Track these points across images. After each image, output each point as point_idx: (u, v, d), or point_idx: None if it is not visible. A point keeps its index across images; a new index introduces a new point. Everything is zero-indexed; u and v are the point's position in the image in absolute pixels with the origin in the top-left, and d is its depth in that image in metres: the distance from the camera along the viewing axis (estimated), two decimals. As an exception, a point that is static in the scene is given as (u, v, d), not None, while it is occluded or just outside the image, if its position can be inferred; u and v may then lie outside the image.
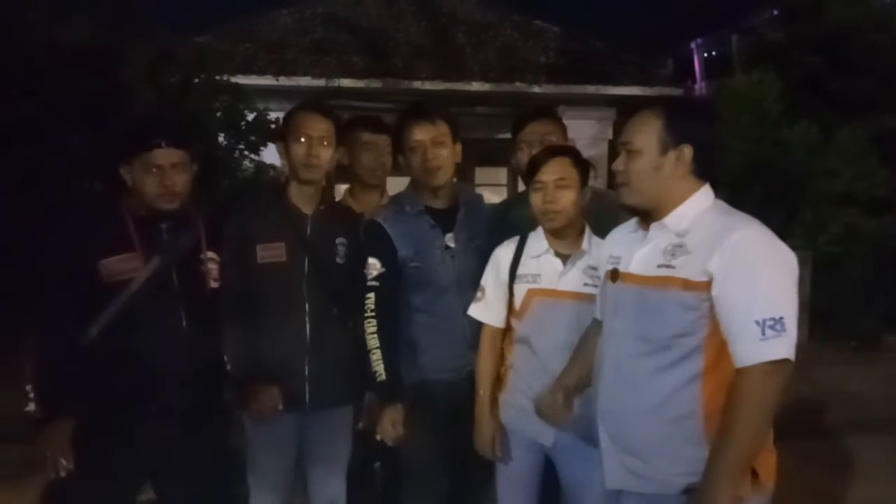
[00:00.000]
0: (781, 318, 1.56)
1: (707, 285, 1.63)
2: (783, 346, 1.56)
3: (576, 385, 2.01)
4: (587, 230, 2.22)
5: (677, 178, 1.74)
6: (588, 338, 2.04)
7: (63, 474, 2.04)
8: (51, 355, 2.07)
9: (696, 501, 1.62)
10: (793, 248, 1.69)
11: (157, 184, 2.12)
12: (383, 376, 2.27)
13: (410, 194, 2.47)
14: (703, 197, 1.75)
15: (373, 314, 2.31)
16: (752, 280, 1.59)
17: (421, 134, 2.36)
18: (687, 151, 1.72)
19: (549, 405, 2.02)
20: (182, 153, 2.17)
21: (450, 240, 2.40)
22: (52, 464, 2.04)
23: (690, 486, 1.65)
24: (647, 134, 1.75)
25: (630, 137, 1.78)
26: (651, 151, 1.74)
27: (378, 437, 2.31)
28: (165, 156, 2.13)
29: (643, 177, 1.75)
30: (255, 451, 2.38)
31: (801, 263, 1.72)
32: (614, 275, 1.85)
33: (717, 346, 1.64)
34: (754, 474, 1.64)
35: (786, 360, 1.57)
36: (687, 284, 1.65)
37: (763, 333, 1.56)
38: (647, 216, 1.79)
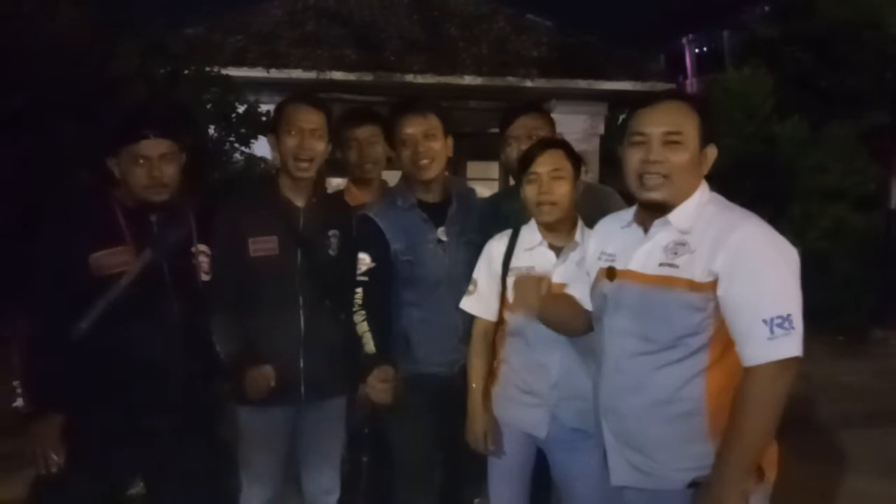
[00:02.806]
0: (789, 315, 1.55)
1: (713, 285, 1.60)
2: (792, 344, 1.55)
3: (562, 301, 1.90)
4: (580, 223, 2.22)
5: (699, 177, 1.70)
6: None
7: (53, 470, 2.02)
8: (40, 350, 2.05)
9: (705, 498, 1.60)
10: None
11: (145, 175, 2.10)
12: (373, 350, 2.26)
13: (402, 188, 2.45)
14: (702, 191, 1.73)
15: (360, 308, 2.30)
16: (757, 279, 1.57)
17: (411, 128, 2.35)
18: (711, 152, 1.69)
19: (527, 283, 1.89)
20: (170, 144, 2.15)
21: (442, 234, 2.39)
22: (42, 459, 2.02)
23: (696, 480, 1.64)
24: (690, 126, 1.68)
25: (677, 127, 1.67)
26: (694, 145, 1.67)
27: (366, 429, 2.31)
28: (153, 147, 2.10)
29: (685, 171, 1.67)
30: (247, 444, 2.37)
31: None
32: (611, 273, 1.80)
33: (723, 342, 1.63)
34: (759, 468, 1.63)
35: (795, 358, 1.56)
36: (693, 286, 1.62)
37: (772, 332, 1.54)
38: (657, 211, 1.73)
